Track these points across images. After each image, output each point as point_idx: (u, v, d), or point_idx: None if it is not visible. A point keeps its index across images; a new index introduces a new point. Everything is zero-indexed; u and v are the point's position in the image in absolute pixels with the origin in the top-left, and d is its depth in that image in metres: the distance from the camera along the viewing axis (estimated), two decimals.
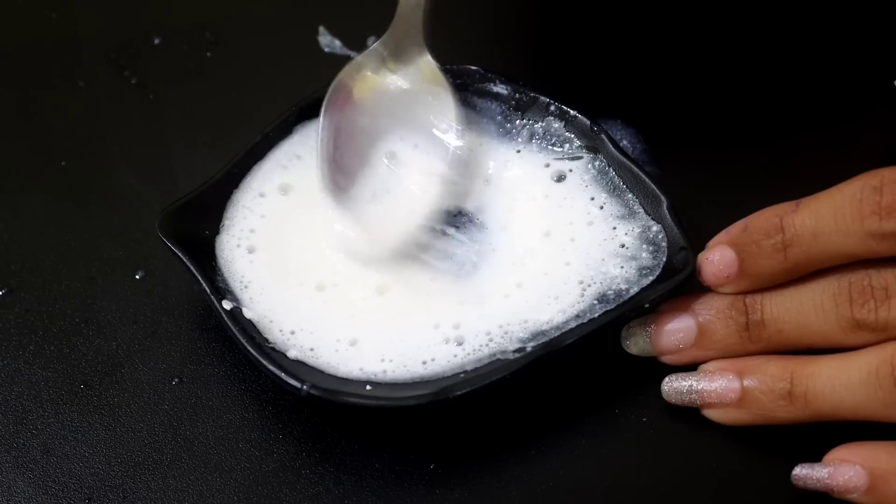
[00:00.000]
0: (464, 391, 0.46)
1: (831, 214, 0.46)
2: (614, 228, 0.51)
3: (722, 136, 0.58)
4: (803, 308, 0.47)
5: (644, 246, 0.50)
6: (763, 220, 0.47)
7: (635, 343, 0.49)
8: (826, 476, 0.45)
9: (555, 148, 0.54)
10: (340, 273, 0.51)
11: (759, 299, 0.48)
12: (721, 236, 0.49)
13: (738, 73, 0.60)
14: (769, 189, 0.49)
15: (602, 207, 0.52)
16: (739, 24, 0.62)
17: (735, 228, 0.48)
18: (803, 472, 0.46)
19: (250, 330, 0.49)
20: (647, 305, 0.48)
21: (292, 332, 0.49)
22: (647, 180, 0.51)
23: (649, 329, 0.49)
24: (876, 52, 0.60)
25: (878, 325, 0.46)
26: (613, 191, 0.52)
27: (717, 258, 0.48)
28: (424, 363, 0.49)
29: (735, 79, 0.60)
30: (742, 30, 0.61)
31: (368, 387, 0.47)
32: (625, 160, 0.52)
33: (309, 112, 0.55)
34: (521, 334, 0.49)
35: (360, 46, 0.61)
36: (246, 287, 0.51)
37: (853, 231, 0.45)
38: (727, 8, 0.62)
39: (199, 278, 0.49)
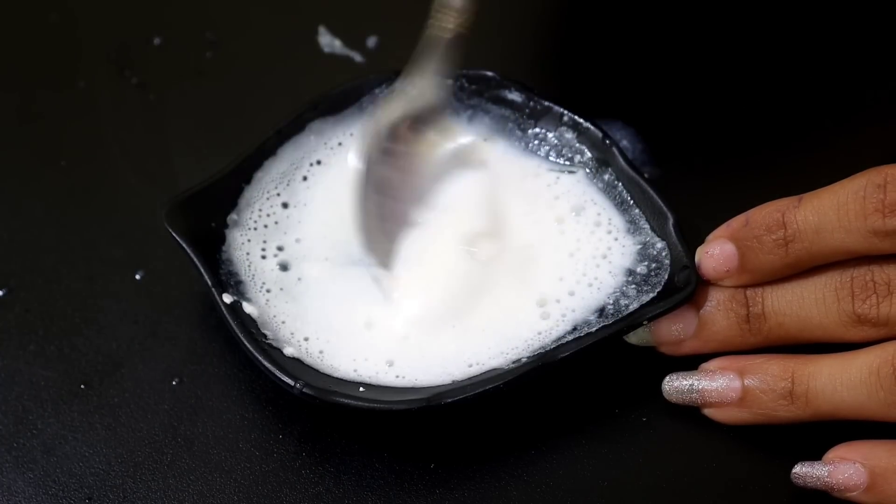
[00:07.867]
0: (456, 398, 0.46)
1: (834, 211, 0.46)
2: (617, 242, 0.51)
3: (722, 136, 0.58)
4: (805, 301, 0.47)
5: (646, 262, 0.50)
6: (765, 215, 0.47)
7: (634, 332, 0.49)
8: (826, 474, 0.45)
9: (565, 158, 0.53)
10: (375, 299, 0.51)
11: (760, 292, 0.48)
12: (721, 230, 0.48)
13: (739, 71, 0.60)
14: (770, 187, 0.49)
15: (608, 221, 0.52)
16: (739, 23, 0.62)
17: (736, 222, 0.48)
18: (803, 471, 0.46)
19: (249, 325, 0.48)
20: (645, 322, 0.48)
21: (305, 339, 0.49)
22: (654, 196, 0.51)
23: None
24: (877, 50, 0.60)
25: (879, 320, 0.46)
26: (620, 205, 0.52)
27: (716, 252, 0.48)
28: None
29: (735, 77, 0.59)
30: (742, 28, 0.61)
31: (361, 389, 0.47)
32: (634, 174, 0.51)
33: (323, 110, 0.54)
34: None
35: (360, 46, 0.61)
36: (268, 291, 0.50)
37: (856, 228, 0.45)
38: (727, 7, 0.62)
39: (202, 269, 0.49)
